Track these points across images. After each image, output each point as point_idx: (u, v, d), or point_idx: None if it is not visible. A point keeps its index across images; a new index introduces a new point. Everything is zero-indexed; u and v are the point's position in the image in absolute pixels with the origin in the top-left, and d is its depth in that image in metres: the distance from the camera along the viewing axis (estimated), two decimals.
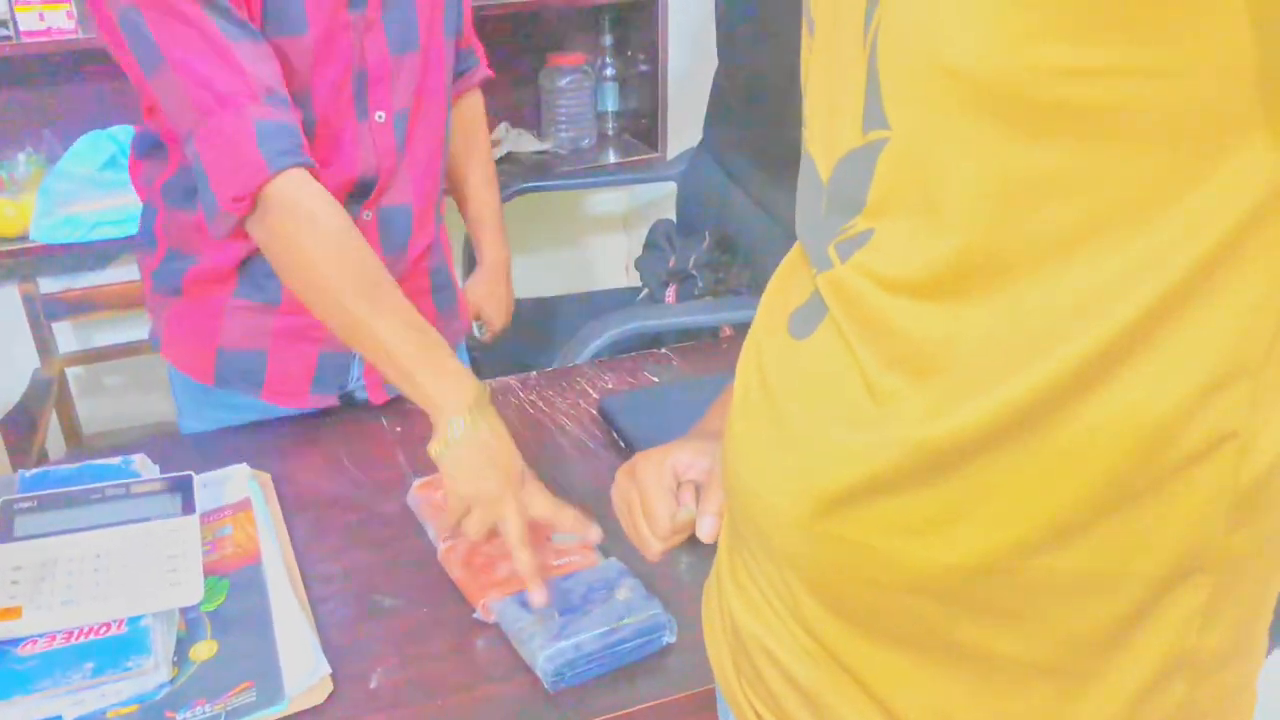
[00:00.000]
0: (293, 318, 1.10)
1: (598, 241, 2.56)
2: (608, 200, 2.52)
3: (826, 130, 0.50)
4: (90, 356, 2.08)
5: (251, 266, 1.08)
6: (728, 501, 0.60)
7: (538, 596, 0.83)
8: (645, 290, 1.86)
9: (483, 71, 1.32)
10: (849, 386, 0.48)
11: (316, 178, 0.92)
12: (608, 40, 2.33)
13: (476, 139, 1.33)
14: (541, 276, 2.50)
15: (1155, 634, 0.46)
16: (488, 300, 1.37)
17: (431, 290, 1.21)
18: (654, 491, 0.69)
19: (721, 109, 1.81)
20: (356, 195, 1.07)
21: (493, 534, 0.92)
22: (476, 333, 1.36)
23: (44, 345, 1.91)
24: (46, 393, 1.86)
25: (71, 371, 2.07)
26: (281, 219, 0.91)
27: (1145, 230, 0.40)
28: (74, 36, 1.79)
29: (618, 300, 1.80)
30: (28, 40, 1.78)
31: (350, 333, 0.93)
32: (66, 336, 2.09)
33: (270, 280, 1.06)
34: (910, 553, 0.47)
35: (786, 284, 0.57)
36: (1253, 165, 0.38)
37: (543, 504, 0.90)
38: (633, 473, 0.71)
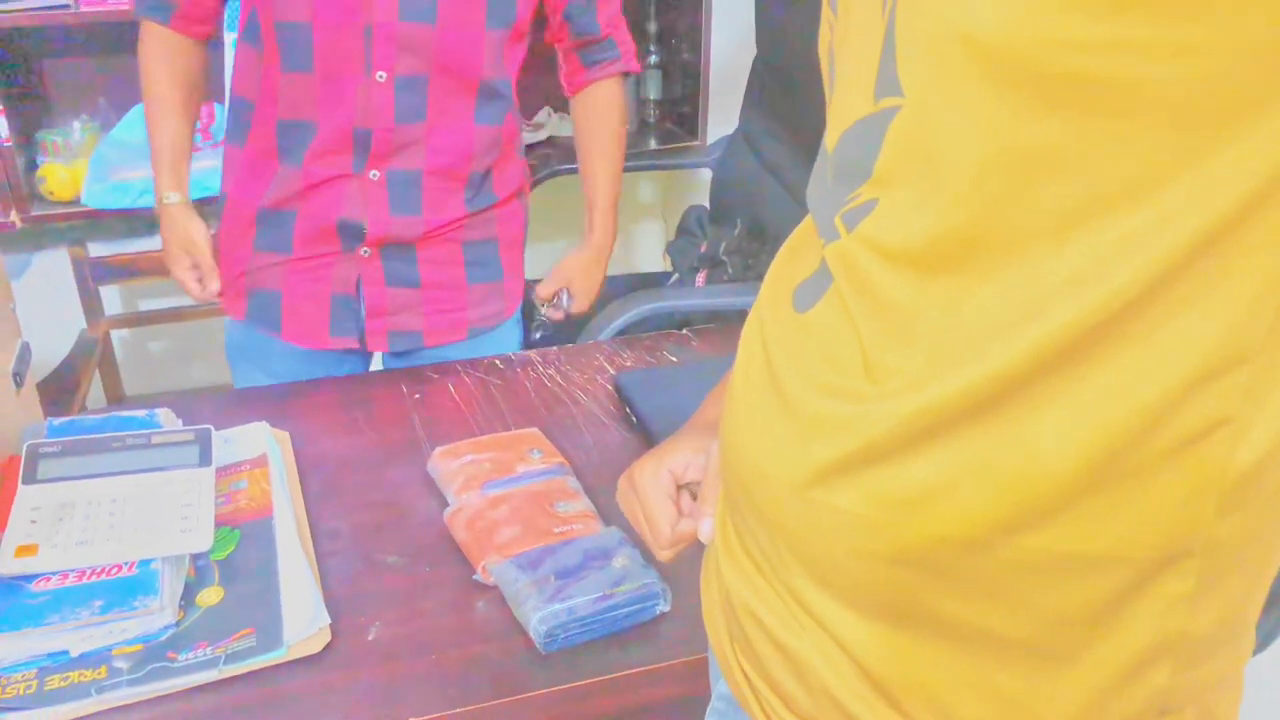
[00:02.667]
0: (303, 263, 1.20)
1: (636, 227, 2.56)
2: (647, 186, 2.53)
3: (838, 100, 0.50)
4: (135, 320, 2.14)
5: (268, 219, 1.19)
6: (723, 469, 0.60)
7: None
8: (675, 275, 1.86)
9: (620, 65, 1.34)
10: (847, 357, 0.48)
11: (176, 30, 1.21)
12: (652, 28, 2.33)
13: (602, 125, 1.36)
14: None
15: (1140, 618, 0.45)
16: (580, 276, 1.37)
17: (465, 263, 1.25)
18: (653, 500, 0.68)
19: (758, 98, 1.80)
20: (360, 148, 1.15)
21: (497, 499, 0.93)
22: (563, 303, 1.36)
23: (91, 307, 1.97)
24: (90, 353, 1.92)
25: (116, 334, 2.13)
26: (140, 41, 1.23)
27: (1145, 207, 0.39)
28: (130, 7, 1.84)
29: (648, 284, 1.81)
30: (86, 10, 1.83)
31: (146, 120, 1.23)
32: (113, 300, 2.15)
33: (281, 232, 1.19)
34: (897, 524, 0.47)
35: (793, 258, 0.57)
36: (1258, 148, 0.38)
37: None
38: (632, 481, 0.70)
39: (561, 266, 1.37)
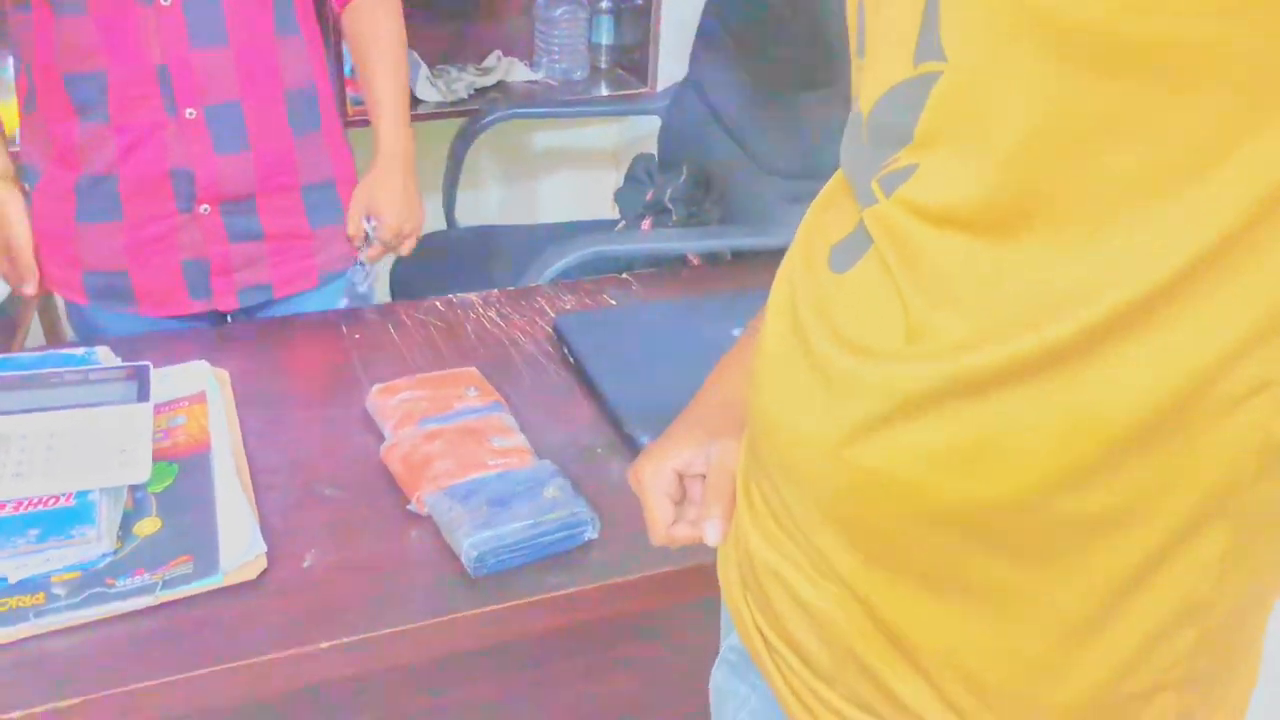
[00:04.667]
0: (142, 234, 1.14)
1: (590, 175, 2.57)
2: (599, 133, 2.53)
3: (872, 63, 0.49)
4: None
5: (88, 188, 1.12)
6: (751, 429, 0.60)
7: None
8: (622, 222, 1.88)
9: None
10: (888, 319, 0.48)
11: None
12: None
13: (376, 32, 1.24)
14: (530, 206, 2.52)
15: (1171, 581, 0.46)
16: (377, 192, 1.22)
17: (306, 209, 1.21)
18: (651, 499, 0.68)
19: (708, 46, 1.81)
20: (165, 86, 1.08)
21: (433, 434, 0.96)
22: (369, 231, 1.22)
23: None
24: (28, 300, 1.89)
25: None
26: None
27: (1201, 179, 0.39)
28: None
29: (593, 230, 1.82)
30: None
31: None
32: None
33: (106, 200, 1.12)
34: (935, 485, 0.47)
35: (825, 219, 0.56)
36: None
37: None
38: (636, 477, 0.69)
39: (357, 192, 1.24)
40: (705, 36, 1.81)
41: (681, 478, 0.68)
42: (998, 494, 0.45)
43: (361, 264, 1.26)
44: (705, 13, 1.82)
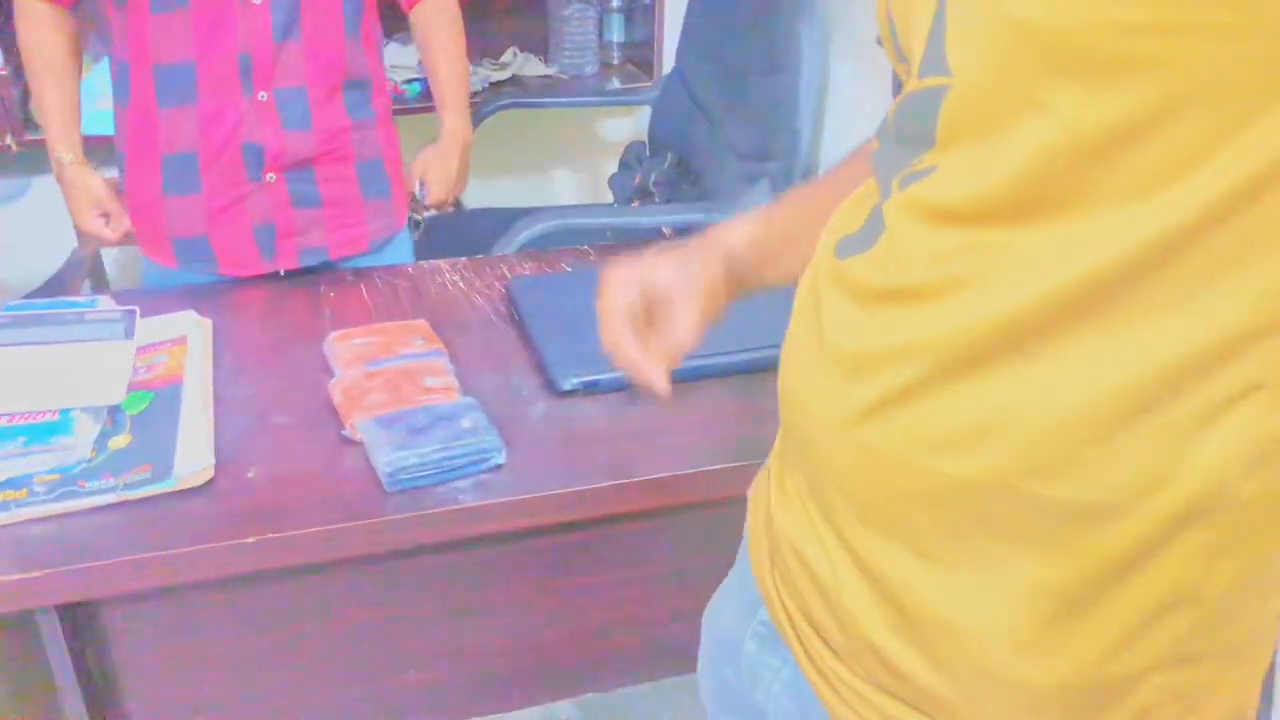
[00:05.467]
0: (218, 199, 1.33)
1: (597, 163, 2.69)
2: (608, 124, 2.65)
3: (908, 64, 0.52)
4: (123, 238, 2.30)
5: (171, 164, 1.31)
6: (780, 409, 0.62)
7: None
8: (614, 205, 1.99)
9: None
10: (884, 304, 0.51)
11: (52, 1, 1.32)
12: None
13: (438, 31, 1.47)
14: (538, 192, 2.65)
15: (1160, 569, 0.46)
16: (431, 166, 1.48)
17: (359, 181, 1.39)
18: (613, 318, 0.68)
19: (691, 38, 1.91)
20: (244, 73, 1.27)
21: (374, 374, 1.09)
22: (418, 194, 1.49)
23: None
24: (78, 270, 2.09)
25: (108, 253, 2.30)
26: (15, 16, 1.34)
27: (1188, 173, 0.41)
28: None
29: (580, 212, 1.94)
30: None
31: (31, 92, 1.37)
32: None
33: (188, 174, 1.31)
34: (930, 465, 0.49)
35: (845, 213, 0.59)
36: None
37: None
38: (602, 287, 0.69)
39: (416, 161, 1.49)
40: (689, 28, 1.92)
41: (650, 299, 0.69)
42: (984, 476, 0.47)
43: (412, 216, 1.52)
44: (691, 5, 1.93)
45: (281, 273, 1.39)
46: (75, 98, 1.37)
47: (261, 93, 1.29)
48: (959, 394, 0.47)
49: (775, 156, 1.53)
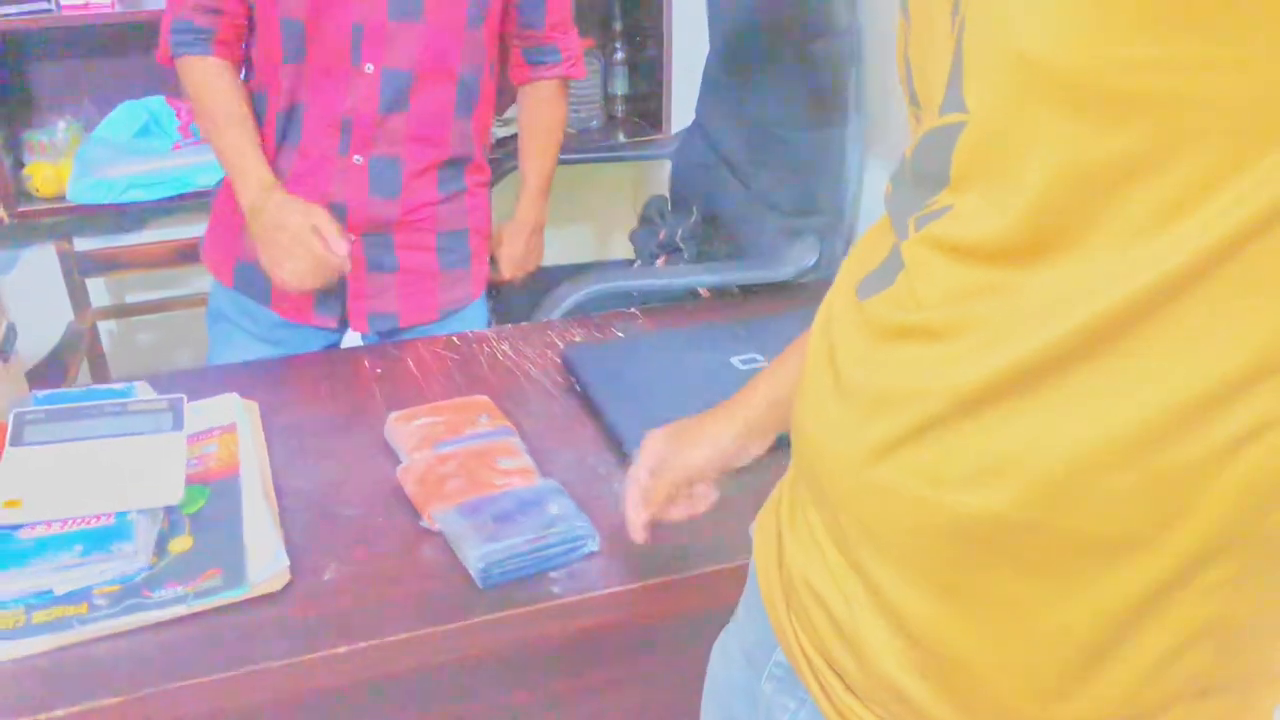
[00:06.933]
0: None
1: (608, 217, 2.65)
2: (616, 178, 2.62)
3: (920, 108, 0.53)
4: (121, 311, 2.22)
5: None
6: (794, 448, 0.63)
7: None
8: (638, 262, 1.95)
9: (561, 70, 1.45)
10: (901, 343, 0.51)
11: (220, 58, 1.28)
12: (618, 25, 2.42)
13: (540, 120, 1.49)
14: (549, 248, 2.60)
15: (1182, 604, 0.46)
16: (502, 245, 1.51)
17: (437, 249, 1.37)
18: (633, 491, 0.80)
19: (712, 90, 1.89)
20: (345, 135, 1.27)
21: (446, 457, 1.02)
22: (492, 272, 1.51)
23: (78, 299, 2.05)
24: (78, 343, 2.00)
25: (104, 325, 2.21)
26: (183, 76, 1.30)
27: (1200, 207, 0.41)
28: (111, 10, 1.92)
29: (608, 269, 1.90)
30: (68, 13, 1.91)
31: (211, 144, 1.30)
32: (99, 292, 2.23)
33: None
34: (947, 501, 0.49)
35: (864, 255, 0.59)
36: None
37: None
38: (658, 469, 0.79)
39: (491, 242, 1.50)
40: (709, 81, 1.89)
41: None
42: (994, 510, 0.47)
43: None
44: (709, 59, 1.91)
45: (339, 334, 1.38)
46: (258, 140, 1.29)
47: (357, 156, 1.28)
48: (974, 431, 0.47)
49: (821, 211, 1.50)
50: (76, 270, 2.02)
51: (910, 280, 0.51)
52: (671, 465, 0.79)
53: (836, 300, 0.59)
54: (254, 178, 1.25)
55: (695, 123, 1.95)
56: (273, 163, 1.29)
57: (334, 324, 1.37)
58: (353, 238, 1.29)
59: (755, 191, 1.70)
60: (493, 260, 1.49)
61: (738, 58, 1.77)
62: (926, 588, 0.51)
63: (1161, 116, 0.40)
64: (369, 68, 1.24)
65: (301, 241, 1.21)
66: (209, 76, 1.28)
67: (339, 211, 1.28)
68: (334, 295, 1.34)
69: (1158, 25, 0.39)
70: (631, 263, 1.99)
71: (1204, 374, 0.43)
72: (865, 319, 0.54)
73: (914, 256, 0.51)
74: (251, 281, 1.35)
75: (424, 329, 1.39)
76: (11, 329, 1.15)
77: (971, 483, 0.48)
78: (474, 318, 1.44)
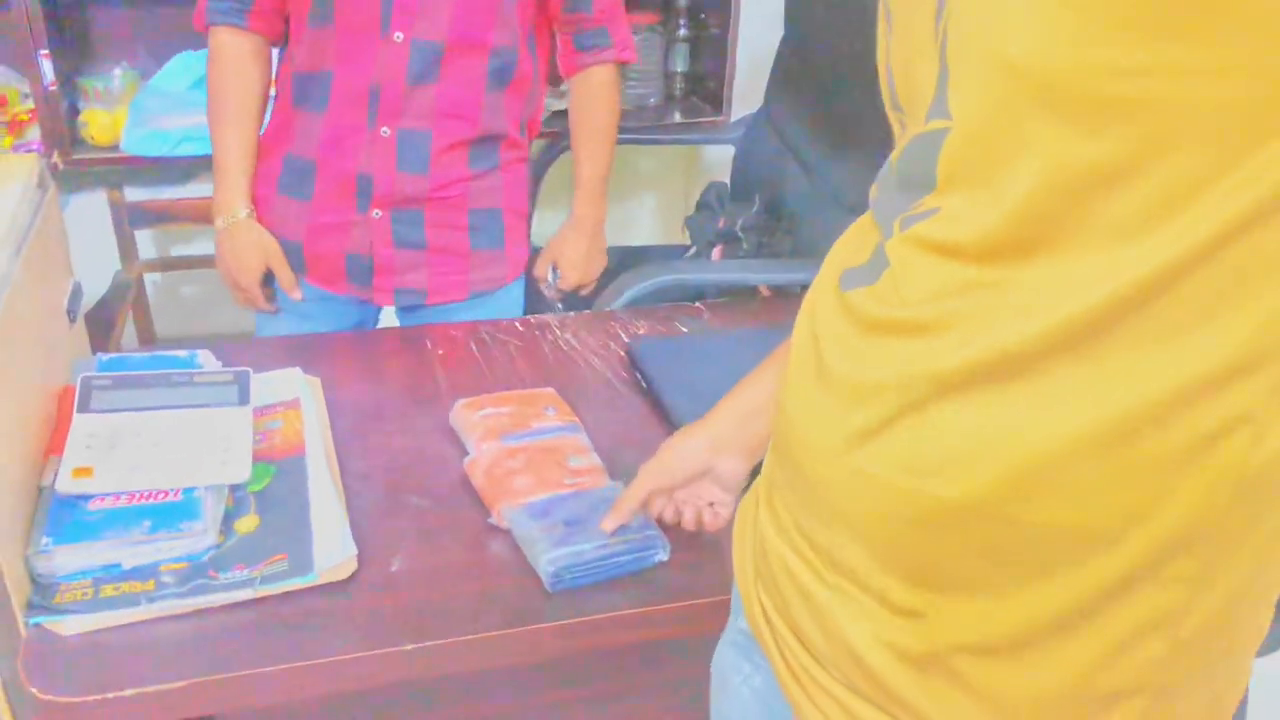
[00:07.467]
0: (322, 215, 1.30)
1: (658, 199, 2.62)
2: (669, 159, 2.58)
3: (903, 113, 0.54)
4: (168, 264, 2.22)
5: (293, 164, 1.29)
6: (775, 433, 0.64)
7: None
8: (693, 249, 1.91)
9: (613, 53, 1.39)
10: (879, 335, 0.52)
11: (254, 31, 1.27)
12: (682, 1, 2.37)
13: (593, 110, 1.43)
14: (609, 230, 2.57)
15: (1141, 596, 0.48)
16: (564, 250, 1.45)
17: (469, 228, 1.33)
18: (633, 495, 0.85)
19: (784, 78, 1.85)
20: (373, 104, 1.24)
21: (514, 450, 1.00)
22: (550, 279, 1.46)
23: (126, 250, 2.04)
24: (125, 294, 1.99)
25: (150, 278, 2.20)
26: (210, 48, 1.30)
27: (1182, 210, 0.42)
28: None
29: (664, 255, 1.87)
30: None
31: (209, 129, 1.31)
32: (146, 244, 2.22)
33: (304, 180, 1.28)
34: (920, 489, 0.50)
35: (848, 247, 0.60)
36: (1275, 159, 0.40)
37: None
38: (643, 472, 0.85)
39: (549, 243, 1.46)
40: (782, 70, 1.85)
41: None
42: (966, 498, 0.49)
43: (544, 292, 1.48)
44: (782, 47, 1.86)
45: (377, 306, 1.37)
46: (255, 145, 1.31)
47: (385, 128, 1.25)
48: (951, 418, 0.49)
49: None
50: (127, 220, 2.01)
51: (895, 278, 0.52)
52: (650, 471, 0.86)
53: (821, 291, 0.60)
54: (233, 187, 1.29)
55: (763, 110, 1.91)
56: (295, 125, 1.28)
57: (367, 295, 1.34)
58: (379, 213, 1.28)
59: (822, 186, 1.67)
60: (544, 273, 1.46)
61: (816, 47, 1.73)
62: (898, 572, 0.53)
63: (1145, 121, 0.41)
64: (398, 36, 1.20)
65: (244, 287, 1.34)
66: (230, 62, 1.27)
67: (365, 184, 1.26)
68: (361, 269, 1.32)
69: (1139, 32, 0.40)
70: (686, 249, 1.96)
71: (1180, 371, 0.44)
72: (849, 311, 0.55)
73: (899, 255, 0.52)
74: (290, 256, 1.34)
75: (452, 310, 1.36)
76: (78, 288, 1.13)
77: (945, 471, 0.49)
78: (508, 302, 1.41)
